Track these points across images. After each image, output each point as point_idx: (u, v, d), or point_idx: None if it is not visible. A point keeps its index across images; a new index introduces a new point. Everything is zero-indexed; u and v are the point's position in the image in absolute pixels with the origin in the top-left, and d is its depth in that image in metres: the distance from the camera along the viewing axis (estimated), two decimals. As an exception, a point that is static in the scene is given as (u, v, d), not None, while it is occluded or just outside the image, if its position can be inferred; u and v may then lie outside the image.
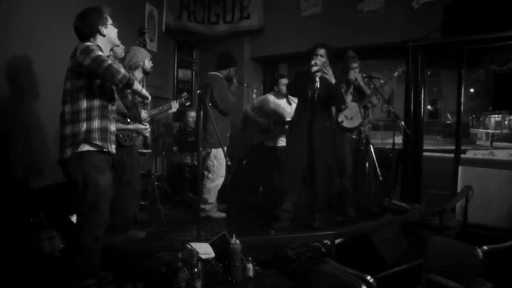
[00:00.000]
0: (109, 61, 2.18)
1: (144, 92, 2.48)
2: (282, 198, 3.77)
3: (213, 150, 4.05)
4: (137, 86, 2.39)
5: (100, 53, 2.20)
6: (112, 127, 2.41)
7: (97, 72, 2.17)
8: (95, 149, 2.28)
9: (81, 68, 2.19)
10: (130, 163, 3.21)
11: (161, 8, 5.56)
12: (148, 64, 3.45)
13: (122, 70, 2.21)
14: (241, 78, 5.59)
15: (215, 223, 3.93)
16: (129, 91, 2.43)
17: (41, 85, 3.53)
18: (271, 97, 4.66)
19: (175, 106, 3.77)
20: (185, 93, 3.98)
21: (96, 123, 2.27)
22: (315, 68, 3.54)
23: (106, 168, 2.37)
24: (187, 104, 3.93)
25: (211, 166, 4.09)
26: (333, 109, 4.08)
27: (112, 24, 2.39)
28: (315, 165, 3.67)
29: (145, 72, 3.47)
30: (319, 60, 3.55)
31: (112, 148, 2.40)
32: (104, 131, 2.31)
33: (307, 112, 3.66)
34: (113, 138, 2.42)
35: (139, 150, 3.51)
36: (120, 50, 3.26)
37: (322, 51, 3.58)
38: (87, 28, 2.30)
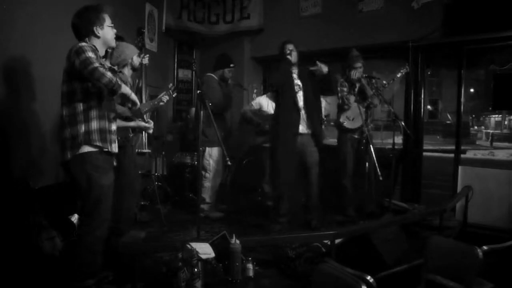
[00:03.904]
0: (96, 64, 2.12)
1: (133, 97, 2.35)
2: (278, 203, 3.75)
3: (207, 149, 4.11)
4: (126, 90, 2.28)
5: (91, 54, 2.15)
6: (113, 126, 2.40)
7: (84, 74, 2.15)
8: (95, 150, 2.28)
9: (74, 70, 2.18)
10: (127, 164, 3.14)
11: (161, 8, 5.56)
12: (136, 60, 3.34)
13: (108, 75, 2.14)
14: (241, 78, 5.60)
15: (215, 223, 3.93)
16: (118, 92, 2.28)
17: (40, 85, 3.52)
18: (266, 100, 4.66)
19: (165, 98, 3.53)
20: (171, 84, 3.77)
21: (94, 124, 2.27)
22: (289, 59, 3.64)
23: (108, 167, 2.38)
24: (174, 96, 3.67)
25: (207, 165, 4.16)
26: (324, 104, 4.15)
27: (109, 26, 2.36)
28: (308, 164, 3.66)
29: (133, 69, 3.37)
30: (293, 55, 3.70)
31: (113, 148, 2.40)
32: (103, 131, 2.30)
33: (293, 110, 3.62)
34: (113, 137, 2.41)
35: (138, 150, 3.49)
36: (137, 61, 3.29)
37: (291, 46, 3.73)
38: (82, 27, 2.29)
